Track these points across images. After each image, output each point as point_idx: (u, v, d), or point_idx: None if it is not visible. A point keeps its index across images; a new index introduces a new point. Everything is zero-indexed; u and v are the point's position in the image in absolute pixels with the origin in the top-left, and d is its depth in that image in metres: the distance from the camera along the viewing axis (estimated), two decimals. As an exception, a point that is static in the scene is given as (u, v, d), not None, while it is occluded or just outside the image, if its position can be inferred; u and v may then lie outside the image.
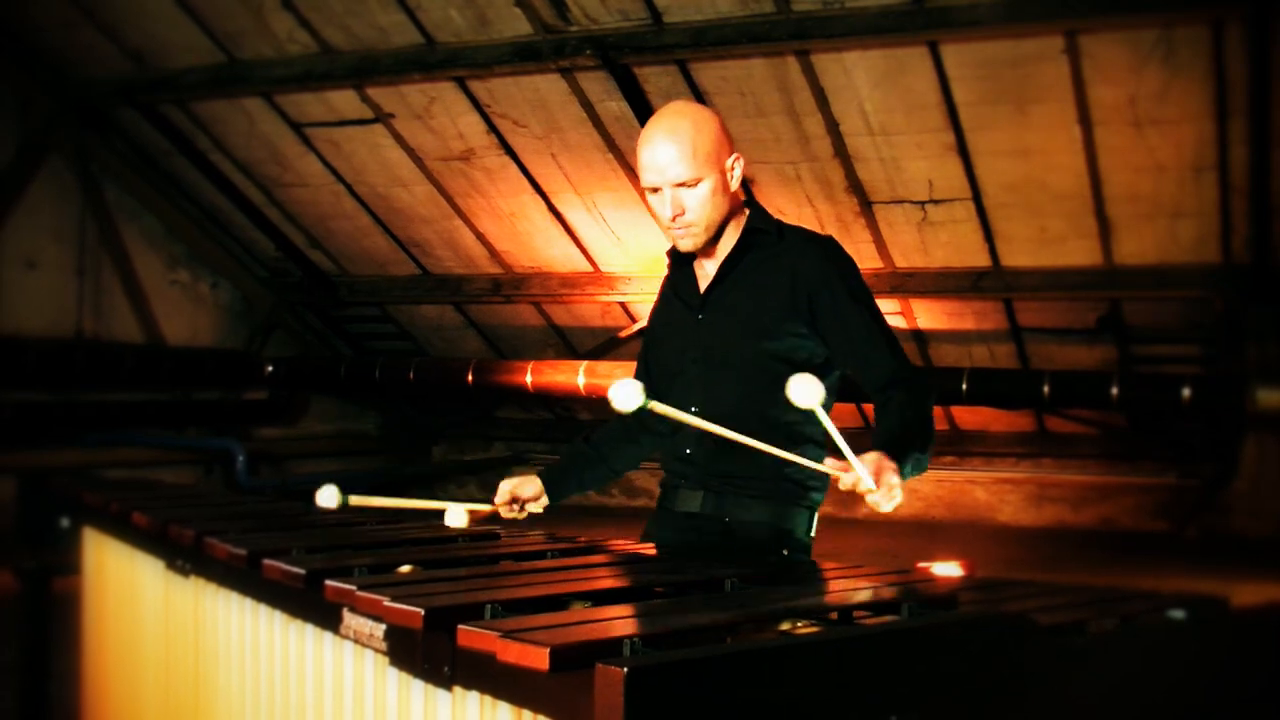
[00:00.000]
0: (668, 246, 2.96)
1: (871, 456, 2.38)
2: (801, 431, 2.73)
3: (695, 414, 2.79)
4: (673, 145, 2.65)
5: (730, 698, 1.51)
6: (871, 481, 2.35)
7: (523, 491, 3.02)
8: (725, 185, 2.71)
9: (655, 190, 2.70)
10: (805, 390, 2.37)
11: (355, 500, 3.04)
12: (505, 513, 3.04)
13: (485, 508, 3.07)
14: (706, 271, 2.85)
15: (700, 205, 2.69)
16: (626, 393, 2.39)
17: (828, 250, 2.77)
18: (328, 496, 3.01)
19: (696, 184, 2.67)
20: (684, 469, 2.85)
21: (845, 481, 2.38)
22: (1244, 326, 8.46)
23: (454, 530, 3.04)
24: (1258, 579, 6.97)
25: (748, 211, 2.84)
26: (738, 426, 2.67)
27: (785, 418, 2.70)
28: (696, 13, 7.61)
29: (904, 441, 2.50)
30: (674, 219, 2.70)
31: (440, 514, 3.07)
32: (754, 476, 2.74)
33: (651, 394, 2.39)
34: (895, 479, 2.37)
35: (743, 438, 2.47)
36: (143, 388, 10.06)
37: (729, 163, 2.72)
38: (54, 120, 9.56)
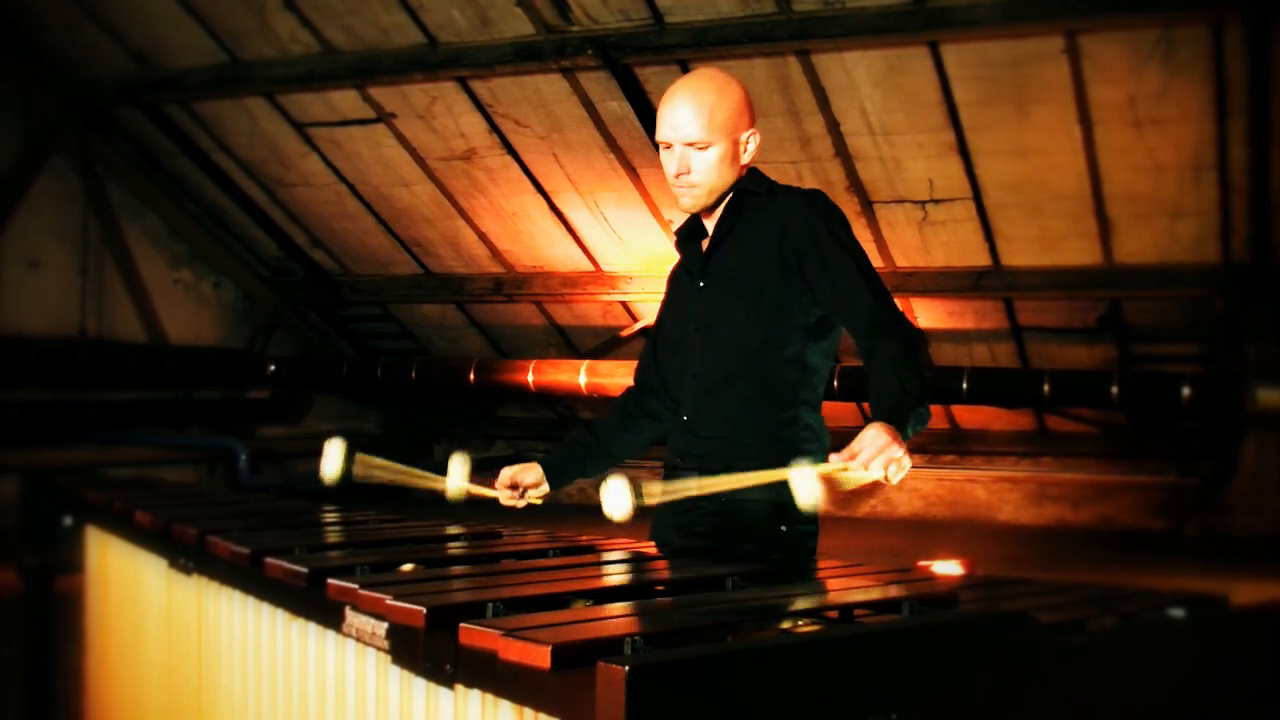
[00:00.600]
0: (671, 244, 3.00)
1: (871, 433, 2.34)
2: (798, 395, 2.74)
3: (694, 380, 2.82)
4: (690, 106, 2.71)
5: (731, 696, 1.52)
6: (878, 471, 2.33)
7: (524, 478, 3.02)
8: (735, 156, 2.76)
9: (667, 146, 2.76)
10: (807, 486, 2.30)
11: (362, 463, 2.96)
12: (505, 499, 3.02)
13: (487, 492, 3.06)
14: (708, 233, 2.90)
15: (706, 169, 2.74)
16: (616, 496, 2.35)
17: (814, 203, 2.79)
18: (332, 456, 2.89)
19: (706, 148, 2.72)
20: (683, 443, 2.86)
21: (852, 470, 2.36)
22: (1243, 326, 8.46)
23: (454, 491, 3.01)
24: (1257, 578, 6.98)
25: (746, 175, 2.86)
26: (734, 390, 2.71)
27: (783, 378, 2.72)
28: (698, 13, 7.62)
29: (902, 402, 2.48)
30: (677, 175, 2.77)
31: (440, 487, 3.04)
32: (747, 442, 2.74)
33: (639, 491, 2.36)
34: (899, 452, 2.34)
35: (743, 478, 2.44)
36: (145, 387, 10.07)
37: (744, 136, 2.76)
38: (57, 120, 9.58)
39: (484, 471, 3.08)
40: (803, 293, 2.72)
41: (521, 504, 3.04)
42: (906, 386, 2.51)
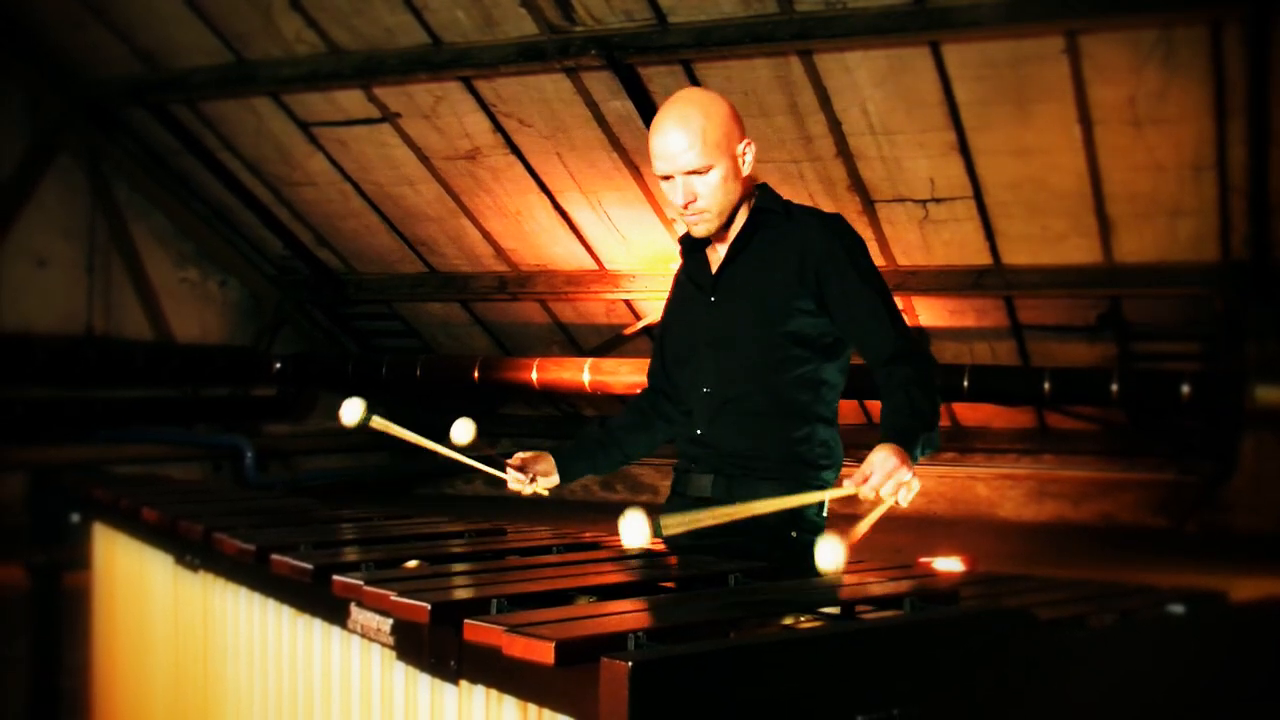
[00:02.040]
0: (674, 242, 2.99)
1: (880, 456, 2.35)
2: (812, 410, 2.74)
3: (706, 395, 2.82)
4: (683, 134, 2.66)
5: (733, 692, 1.53)
6: (888, 494, 2.32)
7: (535, 464, 3.02)
8: (737, 171, 2.72)
9: (667, 178, 2.72)
10: (830, 555, 2.18)
11: (377, 422, 2.99)
12: (513, 482, 3.00)
13: (496, 472, 3.05)
14: (719, 254, 2.87)
15: (712, 192, 2.70)
16: (635, 529, 2.21)
17: (835, 227, 2.78)
18: (352, 410, 2.93)
19: (708, 171, 2.68)
20: (696, 451, 2.86)
21: (864, 495, 2.36)
22: (1243, 324, 8.47)
23: (459, 445, 3.01)
24: (1256, 574, 7.00)
25: (758, 193, 2.85)
26: (748, 407, 2.71)
27: (797, 396, 2.72)
28: (701, 13, 7.63)
29: (912, 426, 2.48)
30: (686, 206, 2.72)
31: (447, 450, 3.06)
32: (764, 456, 2.74)
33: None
34: (908, 475, 2.34)
35: (758, 505, 2.36)
36: (152, 384, 10.10)
37: (740, 149, 2.72)
38: (64, 120, 9.60)
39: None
40: (819, 315, 2.71)
41: (528, 490, 3.01)
42: (917, 410, 2.51)
